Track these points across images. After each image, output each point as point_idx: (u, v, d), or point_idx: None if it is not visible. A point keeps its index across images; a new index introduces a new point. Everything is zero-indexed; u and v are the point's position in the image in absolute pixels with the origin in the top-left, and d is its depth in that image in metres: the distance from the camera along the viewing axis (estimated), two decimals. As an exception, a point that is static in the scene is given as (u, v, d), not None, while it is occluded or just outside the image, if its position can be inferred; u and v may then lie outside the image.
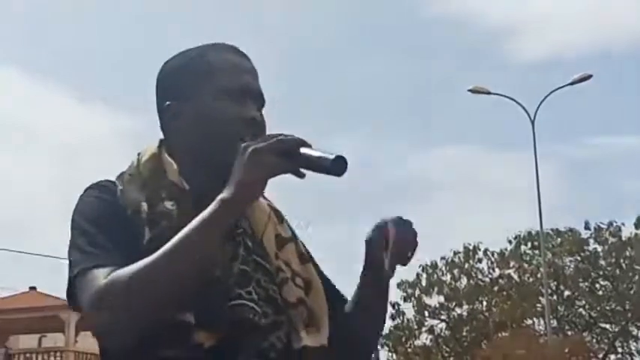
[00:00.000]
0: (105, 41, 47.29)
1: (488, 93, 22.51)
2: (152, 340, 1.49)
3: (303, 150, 1.47)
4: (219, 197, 1.46)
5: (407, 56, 45.94)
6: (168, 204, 1.58)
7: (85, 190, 1.64)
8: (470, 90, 22.45)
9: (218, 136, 1.61)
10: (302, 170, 1.48)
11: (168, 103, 1.68)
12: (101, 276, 1.48)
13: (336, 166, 1.45)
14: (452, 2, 44.36)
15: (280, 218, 1.73)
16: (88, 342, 28.42)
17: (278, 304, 1.62)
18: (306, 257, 1.73)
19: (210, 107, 1.63)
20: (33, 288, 26.66)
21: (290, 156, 1.46)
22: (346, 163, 1.45)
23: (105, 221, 1.57)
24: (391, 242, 1.63)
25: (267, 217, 1.69)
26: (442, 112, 45.00)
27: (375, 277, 1.68)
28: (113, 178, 1.65)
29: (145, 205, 1.57)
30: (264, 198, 1.72)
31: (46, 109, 42.09)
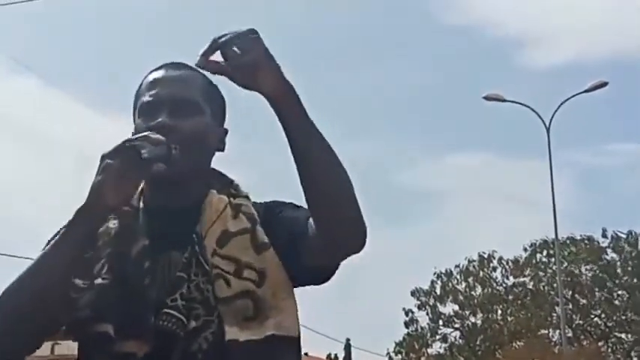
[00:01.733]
0: (126, 49, 47.43)
1: (504, 100, 22.34)
2: (83, 351, 1.64)
3: (144, 149, 1.57)
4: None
5: (423, 63, 45.91)
6: (112, 223, 1.70)
7: None
8: (485, 97, 22.28)
9: None
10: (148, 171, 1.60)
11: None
12: None
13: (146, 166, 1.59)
14: (469, 11, 44.28)
15: (237, 212, 1.73)
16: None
17: (210, 304, 1.64)
18: (263, 245, 1.70)
19: (135, 127, 1.75)
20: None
21: (130, 156, 1.55)
22: (126, 150, 1.55)
23: None
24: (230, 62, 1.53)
25: (216, 214, 1.71)
26: (457, 119, 44.88)
27: (273, 107, 1.56)
28: None
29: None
30: (231, 194, 1.75)
31: (65, 118, 42.21)
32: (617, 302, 30.36)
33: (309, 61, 46.12)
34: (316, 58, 48.58)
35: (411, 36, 45.37)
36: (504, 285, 30.67)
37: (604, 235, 30.41)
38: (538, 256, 30.55)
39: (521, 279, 30.59)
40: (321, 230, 1.59)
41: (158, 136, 1.60)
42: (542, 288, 30.30)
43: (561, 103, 22.10)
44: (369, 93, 44.59)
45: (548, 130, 21.79)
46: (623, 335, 30.49)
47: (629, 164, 43.68)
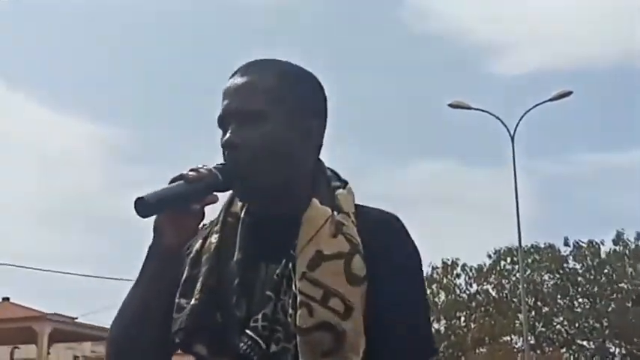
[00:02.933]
0: (82, 50, 47.04)
1: (469, 108, 22.47)
2: None
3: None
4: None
5: (387, 71, 46.04)
6: (213, 237, 1.69)
7: None
8: (450, 105, 22.40)
9: None
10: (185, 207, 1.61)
11: None
12: None
13: (136, 208, 1.56)
14: (434, 20, 44.52)
15: (337, 232, 1.60)
16: (61, 354, 28.15)
17: (290, 330, 1.56)
18: (357, 279, 1.56)
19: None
20: (6, 299, 26.33)
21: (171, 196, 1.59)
22: (138, 205, 1.54)
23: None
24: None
25: (314, 231, 1.60)
26: (421, 127, 45.05)
27: None
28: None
29: (197, 244, 1.70)
30: (338, 204, 1.65)
31: (21, 118, 41.75)
32: (578, 310, 30.64)
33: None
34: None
35: (375, 44, 45.49)
36: (468, 292, 30.85)
37: (566, 244, 30.74)
38: (502, 263, 30.76)
39: (485, 286, 30.78)
40: None
41: (199, 171, 1.61)
42: (505, 295, 30.49)
43: (525, 112, 22.32)
44: (334, 101, 44.56)
45: (512, 138, 21.98)
46: (584, 342, 30.78)
47: (591, 174, 44.13)
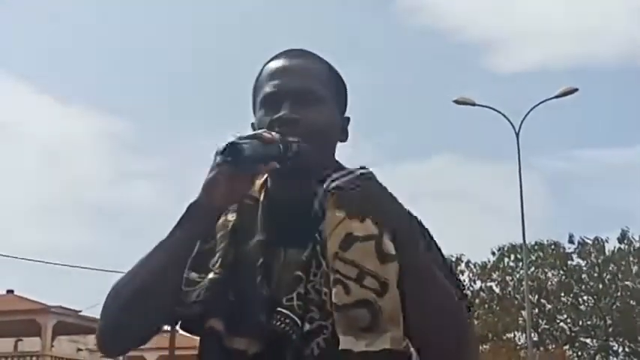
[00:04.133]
0: (84, 41, 47.06)
1: (474, 104, 22.41)
2: (200, 346, 1.65)
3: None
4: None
5: (392, 66, 45.99)
6: (230, 215, 1.68)
7: None
8: (455, 101, 22.34)
9: None
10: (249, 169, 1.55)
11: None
12: None
13: (226, 153, 1.52)
14: (439, 14, 44.48)
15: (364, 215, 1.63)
16: (65, 346, 28.19)
17: (326, 308, 1.58)
18: (389, 257, 1.60)
19: (257, 119, 1.71)
20: (10, 291, 26.38)
21: (239, 157, 1.51)
22: (231, 151, 1.50)
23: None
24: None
25: (342, 216, 1.62)
26: (425, 122, 45.01)
27: None
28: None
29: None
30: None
31: (26, 109, 41.78)
32: (582, 307, 30.60)
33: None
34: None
35: (381, 39, 45.48)
36: (471, 289, 30.81)
37: (570, 241, 30.70)
38: (506, 260, 30.73)
39: (489, 283, 30.77)
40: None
41: (271, 134, 1.57)
42: (508, 292, 30.47)
43: (531, 109, 22.25)
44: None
45: (517, 134, 21.90)
46: (588, 340, 30.76)
47: (596, 170, 44.07)
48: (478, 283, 30.83)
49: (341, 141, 1.74)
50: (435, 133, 44.51)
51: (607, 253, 30.56)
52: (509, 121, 22.22)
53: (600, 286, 30.19)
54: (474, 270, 30.81)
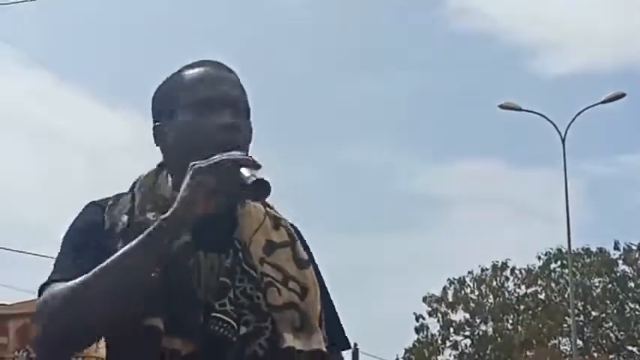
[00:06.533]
0: (134, 46, 47.58)
1: (519, 109, 22.27)
2: (125, 344, 1.60)
3: (242, 170, 1.53)
4: (160, 216, 1.55)
5: (436, 69, 45.84)
6: (150, 215, 1.65)
7: (82, 209, 1.75)
8: (500, 106, 22.24)
9: (198, 149, 1.63)
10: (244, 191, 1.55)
11: (156, 124, 1.76)
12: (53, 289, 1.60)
13: (255, 189, 1.52)
14: (483, 17, 44.27)
15: (277, 224, 1.76)
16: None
17: (262, 310, 1.64)
18: (304, 262, 1.74)
19: (188, 122, 1.69)
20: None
21: (229, 176, 1.53)
22: (267, 188, 1.52)
23: (78, 239, 1.69)
24: None
25: (258, 223, 1.72)
26: (470, 126, 44.76)
27: None
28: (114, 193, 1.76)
29: (124, 218, 1.67)
30: (266, 205, 1.77)
31: (73, 113, 42.32)
32: (628, 315, 30.22)
33: (323, 69, 46.19)
34: (328, 67, 48.64)
35: (424, 43, 45.36)
36: (516, 294, 30.62)
37: (616, 247, 30.32)
38: (551, 266, 30.47)
39: (533, 289, 30.52)
40: None
41: (254, 159, 1.57)
42: (553, 298, 30.21)
43: (577, 114, 22.03)
44: (382, 99, 44.56)
45: (563, 140, 21.72)
46: (635, 349, 30.35)
47: (643, 176, 43.43)
48: (523, 289, 30.61)
49: None
50: (478, 137, 44.26)
51: (654, 259, 30.16)
52: (555, 126, 22.08)
53: (647, 293, 29.79)
54: (519, 275, 30.58)
